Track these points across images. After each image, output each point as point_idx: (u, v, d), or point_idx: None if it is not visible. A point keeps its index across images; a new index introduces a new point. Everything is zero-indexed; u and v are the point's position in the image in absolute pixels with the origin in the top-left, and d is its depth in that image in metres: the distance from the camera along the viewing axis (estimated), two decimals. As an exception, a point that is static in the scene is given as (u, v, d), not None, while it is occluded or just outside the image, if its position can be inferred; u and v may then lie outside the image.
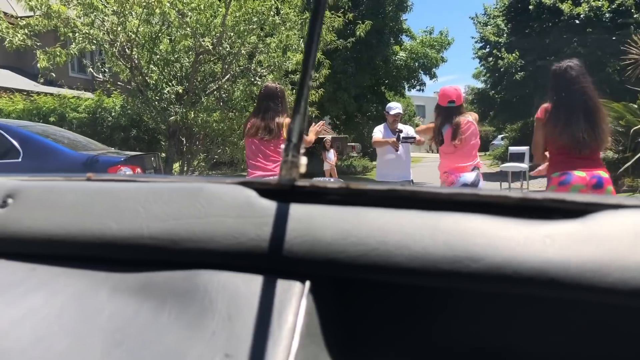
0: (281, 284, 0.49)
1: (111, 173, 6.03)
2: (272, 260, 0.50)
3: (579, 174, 3.14)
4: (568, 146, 3.19)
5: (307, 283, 0.49)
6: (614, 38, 17.63)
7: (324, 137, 15.58)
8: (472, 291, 0.49)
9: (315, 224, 0.51)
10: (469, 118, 4.03)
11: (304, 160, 0.53)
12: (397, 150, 5.10)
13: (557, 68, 3.33)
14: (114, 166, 6.20)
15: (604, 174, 3.20)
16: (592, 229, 0.47)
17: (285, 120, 4.05)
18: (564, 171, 3.18)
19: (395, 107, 5.33)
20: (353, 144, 31.30)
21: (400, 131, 5.12)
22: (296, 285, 0.49)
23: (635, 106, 10.35)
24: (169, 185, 0.59)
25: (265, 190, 0.55)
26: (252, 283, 0.49)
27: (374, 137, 5.26)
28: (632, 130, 9.63)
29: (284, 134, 3.83)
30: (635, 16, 18.02)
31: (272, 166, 4.05)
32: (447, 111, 3.99)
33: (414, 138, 5.03)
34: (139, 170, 6.34)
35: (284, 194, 0.55)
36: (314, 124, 4.65)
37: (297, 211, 0.52)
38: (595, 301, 0.46)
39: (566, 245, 0.46)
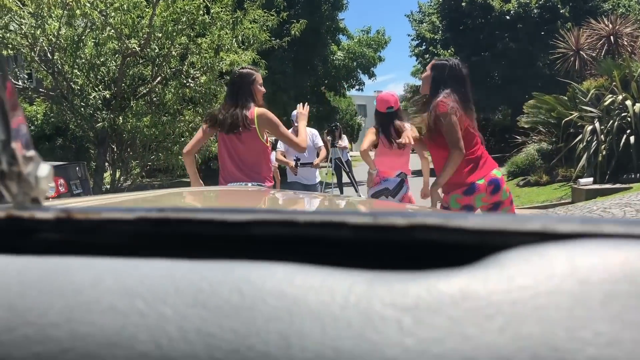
0: None
1: None
2: None
3: (480, 182, 2.97)
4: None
5: None
6: (542, 33, 18.25)
7: (265, 139, 15.30)
8: None
9: None
10: (407, 125, 3.98)
11: (43, 169, 0.32)
12: (295, 175, 5.38)
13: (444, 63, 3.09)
14: (33, 178, 5.77)
15: (497, 173, 3.05)
16: (495, 290, 0.27)
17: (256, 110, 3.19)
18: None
19: None
20: (296, 145, 31.20)
21: (298, 159, 5.39)
22: None
23: (566, 98, 10.64)
24: None
25: None
26: None
27: (278, 154, 5.31)
28: (563, 122, 9.89)
29: (258, 132, 3.11)
30: (561, 11, 18.69)
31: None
32: (388, 117, 3.99)
33: (311, 164, 5.43)
34: (61, 181, 5.93)
35: None
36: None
37: None
38: None
39: (442, 329, 0.25)
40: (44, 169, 0.34)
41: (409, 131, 3.91)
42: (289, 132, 3.47)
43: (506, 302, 0.26)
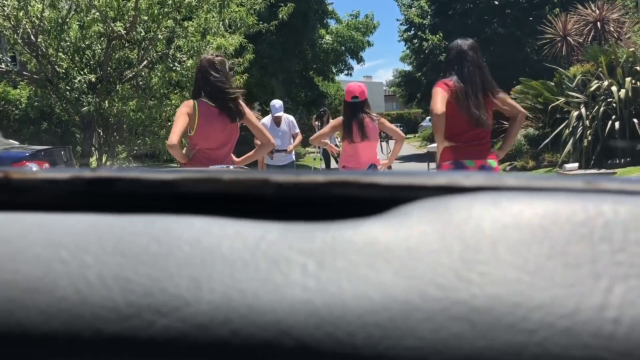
0: None
1: None
2: None
3: (469, 164, 3.04)
4: (465, 128, 3.02)
5: None
6: (530, 18, 18.26)
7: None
8: None
9: None
10: (373, 116, 4.00)
11: None
12: (272, 159, 5.80)
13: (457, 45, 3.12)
14: (18, 162, 5.72)
15: (493, 163, 3.10)
16: (395, 236, 0.29)
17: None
18: (455, 160, 3.05)
19: (278, 109, 5.78)
20: (284, 130, 31.12)
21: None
22: None
23: (553, 84, 10.69)
24: None
25: None
26: None
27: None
28: (550, 107, 9.94)
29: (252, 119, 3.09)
30: (549, -3, 18.69)
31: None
32: (352, 107, 3.94)
33: (285, 151, 5.85)
34: (46, 165, 5.88)
35: None
36: None
37: None
38: None
39: (342, 271, 0.27)
40: None
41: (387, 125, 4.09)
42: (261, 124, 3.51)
43: (403, 247, 0.28)
